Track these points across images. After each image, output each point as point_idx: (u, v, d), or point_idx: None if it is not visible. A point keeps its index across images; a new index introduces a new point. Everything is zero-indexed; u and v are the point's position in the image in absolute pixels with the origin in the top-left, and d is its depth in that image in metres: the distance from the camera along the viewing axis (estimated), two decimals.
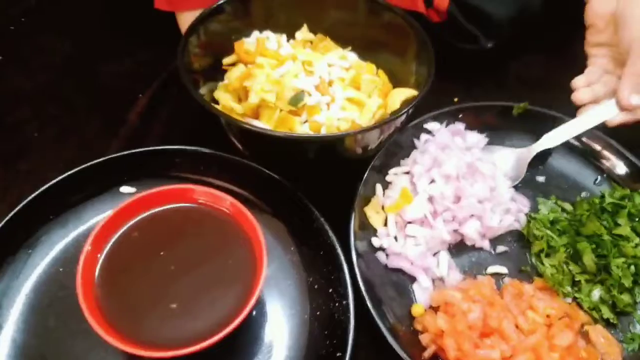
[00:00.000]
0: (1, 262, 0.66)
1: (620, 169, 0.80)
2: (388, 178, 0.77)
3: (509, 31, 0.92)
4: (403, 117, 0.70)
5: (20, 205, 0.68)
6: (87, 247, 0.57)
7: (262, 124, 0.74)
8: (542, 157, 0.82)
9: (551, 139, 0.80)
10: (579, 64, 0.99)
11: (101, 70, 0.94)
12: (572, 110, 0.82)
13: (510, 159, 0.81)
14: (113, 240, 0.61)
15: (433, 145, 0.77)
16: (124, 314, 0.57)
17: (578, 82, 0.81)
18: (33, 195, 0.69)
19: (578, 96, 0.80)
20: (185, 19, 0.89)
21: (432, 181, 0.74)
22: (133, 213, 0.63)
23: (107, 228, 0.61)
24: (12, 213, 0.67)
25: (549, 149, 0.81)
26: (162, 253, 0.61)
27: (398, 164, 0.78)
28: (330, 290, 0.66)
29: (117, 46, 0.99)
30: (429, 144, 0.78)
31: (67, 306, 0.63)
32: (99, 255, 0.59)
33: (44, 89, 0.90)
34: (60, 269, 0.67)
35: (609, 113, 0.77)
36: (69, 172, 0.71)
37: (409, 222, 0.73)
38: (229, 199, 0.64)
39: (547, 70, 0.99)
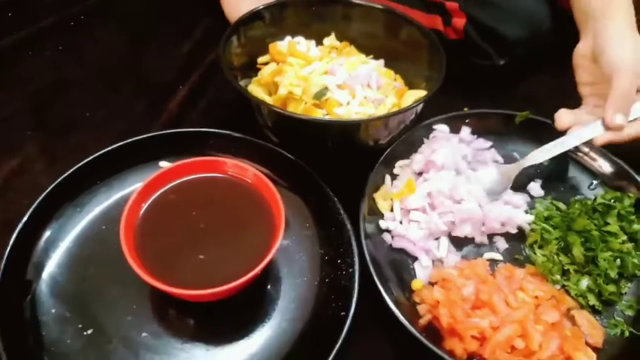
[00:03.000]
0: (51, 217, 0.74)
1: (612, 173, 0.86)
2: (395, 170, 0.85)
3: (520, 50, 1.01)
4: (412, 112, 0.78)
5: (72, 169, 0.77)
6: (133, 197, 0.66)
7: None
8: (540, 163, 0.88)
9: (538, 155, 0.84)
10: None
11: (146, 62, 1.06)
12: None
13: (493, 175, 0.85)
14: (152, 198, 0.70)
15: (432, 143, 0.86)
16: (158, 258, 0.64)
17: (562, 111, 0.85)
18: (84, 162, 0.78)
19: (560, 120, 0.84)
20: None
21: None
22: (171, 178, 0.72)
23: (148, 187, 0.69)
24: (64, 175, 0.76)
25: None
26: (194, 213, 0.70)
27: (407, 158, 0.86)
28: (339, 261, 0.74)
29: (161, 42, 1.10)
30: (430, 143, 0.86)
31: (106, 259, 0.72)
32: (143, 204, 0.68)
33: (96, 76, 1.01)
34: (103, 227, 0.76)
35: (594, 132, 0.79)
36: (116, 145, 0.80)
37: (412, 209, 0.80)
38: (253, 170, 0.72)
39: (553, 87, 1.07)
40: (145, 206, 0.69)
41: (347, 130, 0.79)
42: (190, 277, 0.64)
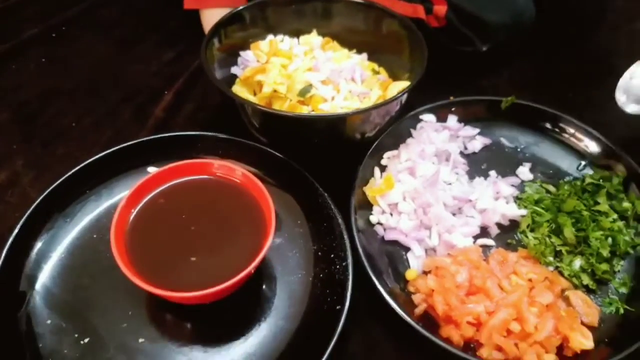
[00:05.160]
0: (41, 228, 0.74)
1: (599, 153, 0.87)
2: (383, 162, 0.85)
3: (502, 36, 1.01)
4: (396, 103, 0.78)
5: (61, 179, 0.76)
6: (122, 204, 0.66)
7: None
8: (527, 146, 0.89)
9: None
10: (565, 69, 1.08)
11: (131, 70, 1.05)
12: (556, 107, 0.90)
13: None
14: (142, 204, 0.70)
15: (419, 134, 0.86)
16: (150, 263, 0.64)
17: None
18: (72, 172, 0.78)
19: None
20: (209, 17, 1.00)
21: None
22: (160, 182, 0.71)
23: (137, 193, 0.69)
24: (52, 186, 0.76)
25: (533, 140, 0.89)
26: (183, 216, 0.69)
27: (394, 150, 0.86)
28: (332, 256, 0.74)
29: (144, 50, 1.11)
30: (414, 140, 0.86)
31: (99, 267, 0.72)
32: (132, 210, 0.68)
33: (80, 86, 1.01)
34: (94, 236, 0.75)
35: None
36: (103, 153, 0.80)
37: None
38: (241, 170, 0.72)
39: (536, 72, 1.08)
40: (134, 212, 0.69)
41: (333, 125, 0.79)
42: (184, 280, 0.64)
